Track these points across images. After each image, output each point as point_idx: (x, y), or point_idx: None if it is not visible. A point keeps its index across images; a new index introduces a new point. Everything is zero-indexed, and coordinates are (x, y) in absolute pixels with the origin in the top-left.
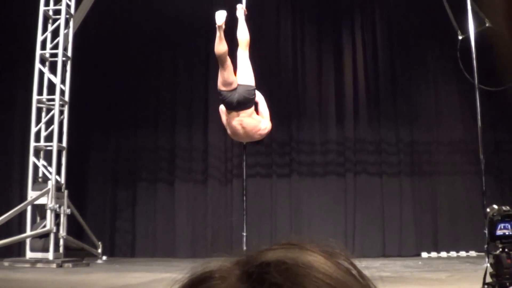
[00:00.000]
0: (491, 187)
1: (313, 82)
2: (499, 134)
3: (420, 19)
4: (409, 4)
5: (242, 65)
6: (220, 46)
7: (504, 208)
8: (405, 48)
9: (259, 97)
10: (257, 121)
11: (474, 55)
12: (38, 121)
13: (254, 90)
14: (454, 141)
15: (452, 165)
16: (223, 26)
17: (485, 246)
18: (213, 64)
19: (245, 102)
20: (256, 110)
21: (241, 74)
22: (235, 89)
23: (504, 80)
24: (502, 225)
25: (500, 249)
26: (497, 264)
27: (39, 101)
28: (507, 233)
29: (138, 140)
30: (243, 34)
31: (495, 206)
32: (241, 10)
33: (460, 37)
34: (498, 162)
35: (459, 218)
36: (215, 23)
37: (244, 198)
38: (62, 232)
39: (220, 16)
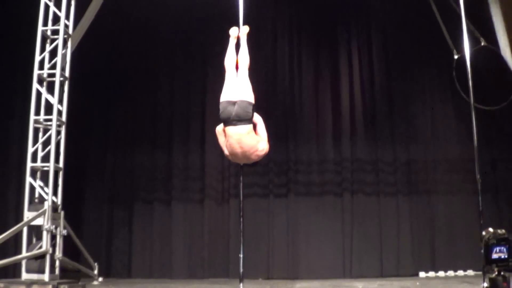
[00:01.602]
0: (488, 206)
1: (310, 102)
2: (496, 153)
3: (416, 38)
4: (405, 23)
5: (241, 83)
6: (231, 56)
7: (499, 231)
8: (401, 67)
9: (258, 119)
10: (255, 140)
11: (469, 74)
12: (35, 141)
13: (252, 106)
14: (451, 160)
15: (449, 184)
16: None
17: (482, 267)
18: (210, 84)
19: (243, 116)
20: (254, 131)
21: (241, 91)
22: (235, 102)
23: (499, 99)
24: (497, 248)
25: (496, 273)
26: (493, 287)
27: (36, 121)
28: (502, 257)
29: (135, 159)
30: (244, 56)
31: (491, 230)
32: (244, 32)
33: (455, 56)
34: (495, 180)
35: (457, 237)
36: (211, 44)
37: (241, 219)
38: (58, 254)
39: (236, 30)
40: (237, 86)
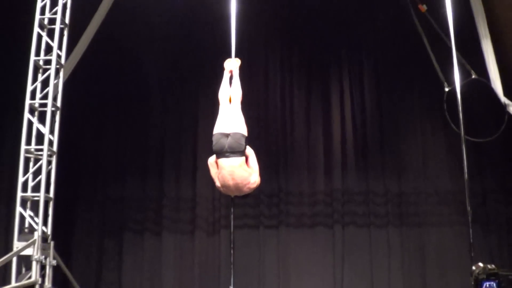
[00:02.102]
0: (478, 237)
1: (301, 133)
2: (487, 184)
3: (407, 70)
4: (397, 55)
5: (235, 115)
6: (225, 88)
7: (489, 266)
8: (392, 98)
9: (250, 151)
10: (247, 173)
11: (460, 107)
12: (26, 171)
13: (245, 138)
14: (441, 192)
15: (440, 216)
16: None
17: None
18: (202, 114)
19: (236, 148)
20: (246, 163)
21: (234, 123)
22: (228, 134)
23: (490, 131)
24: (487, 283)
25: None
26: None
27: (27, 151)
28: None
29: (126, 190)
30: (237, 90)
31: (481, 264)
32: (236, 65)
33: (446, 89)
34: (485, 212)
35: (448, 269)
36: (203, 76)
37: (232, 251)
38: (48, 284)
39: (230, 62)
40: (230, 118)
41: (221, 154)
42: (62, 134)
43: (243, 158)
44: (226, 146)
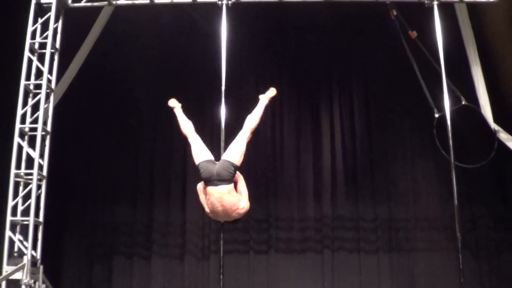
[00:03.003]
0: (468, 263)
1: (291, 159)
2: (476, 210)
3: (397, 96)
4: (387, 81)
5: (237, 143)
6: (186, 122)
7: None
8: (382, 124)
9: (238, 176)
10: (236, 199)
11: (450, 133)
12: (16, 195)
13: (235, 167)
14: (431, 218)
15: (430, 242)
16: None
17: None
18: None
19: (225, 176)
20: (235, 188)
21: (230, 150)
22: (215, 162)
23: (480, 157)
24: None
25: None
26: None
27: (17, 175)
28: None
29: (115, 214)
30: (255, 119)
31: None
32: (272, 95)
33: (436, 115)
34: (475, 238)
35: None
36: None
37: (222, 276)
38: None
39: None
40: (229, 146)
41: (209, 181)
42: (52, 159)
43: (232, 184)
44: (215, 174)
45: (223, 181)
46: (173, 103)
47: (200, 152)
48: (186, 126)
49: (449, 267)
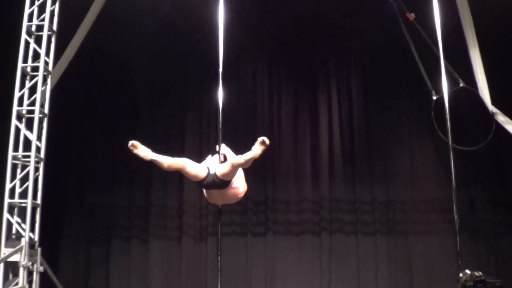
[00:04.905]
0: (466, 246)
1: (288, 141)
2: (474, 193)
3: (395, 78)
4: (385, 64)
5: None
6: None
7: (476, 273)
8: (380, 106)
9: (226, 150)
10: (236, 188)
11: (448, 115)
12: (13, 177)
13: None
14: (429, 200)
15: (428, 224)
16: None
17: None
18: (188, 124)
19: (221, 185)
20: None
21: (224, 168)
22: (212, 173)
23: (478, 139)
24: None
25: None
26: None
27: (14, 158)
28: None
29: (113, 197)
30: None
31: (468, 271)
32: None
33: (434, 97)
34: (473, 220)
35: (435, 278)
36: (192, 83)
37: (219, 258)
38: None
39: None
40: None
41: (208, 189)
42: (50, 141)
43: (231, 181)
44: (211, 183)
45: (222, 187)
46: (135, 147)
47: (196, 172)
48: (167, 159)
49: (446, 249)
